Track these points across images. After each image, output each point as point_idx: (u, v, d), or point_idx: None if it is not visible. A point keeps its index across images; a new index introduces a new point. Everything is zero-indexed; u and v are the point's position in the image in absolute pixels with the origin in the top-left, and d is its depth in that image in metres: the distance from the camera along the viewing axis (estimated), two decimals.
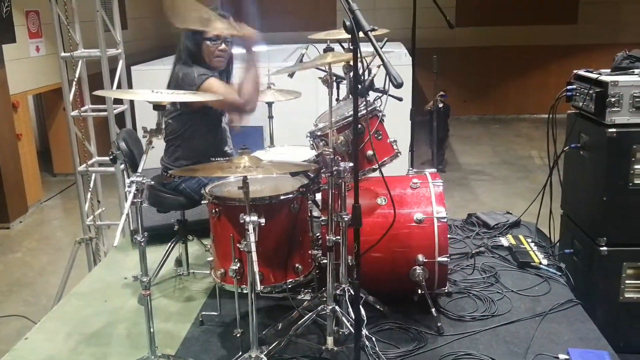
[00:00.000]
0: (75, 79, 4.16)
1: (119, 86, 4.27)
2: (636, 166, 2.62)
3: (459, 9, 10.08)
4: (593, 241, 2.76)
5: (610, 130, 2.61)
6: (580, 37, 10.26)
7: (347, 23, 1.60)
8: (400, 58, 6.21)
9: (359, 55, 1.66)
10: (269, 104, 3.09)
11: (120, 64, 4.34)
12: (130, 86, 4.95)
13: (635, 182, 2.63)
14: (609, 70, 2.83)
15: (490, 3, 10.24)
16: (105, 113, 4.23)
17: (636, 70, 2.70)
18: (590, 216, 2.85)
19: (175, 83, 2.64)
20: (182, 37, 2.69)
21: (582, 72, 2.90)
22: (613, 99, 2.60)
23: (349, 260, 2.29)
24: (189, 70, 2.60)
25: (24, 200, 6.34)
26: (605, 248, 2.70)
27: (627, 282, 2.72)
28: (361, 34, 1.62)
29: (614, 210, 2.68)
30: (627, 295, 2.73)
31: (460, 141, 9.07)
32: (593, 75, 2.76)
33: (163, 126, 2.11)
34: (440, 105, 7.04)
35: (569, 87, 2.94)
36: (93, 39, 4.15)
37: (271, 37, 9.32)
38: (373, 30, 1.55)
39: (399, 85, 1.54)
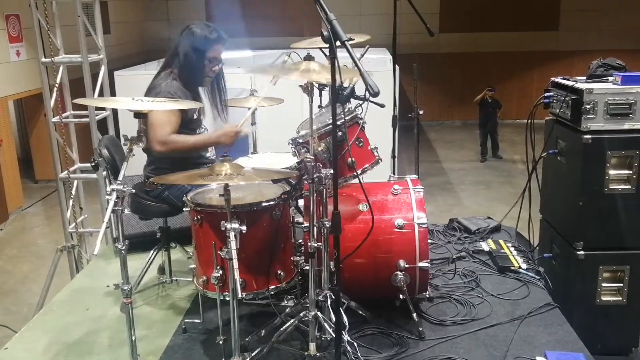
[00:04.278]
0: (57, 85, 4.12)
1: (101, 92, 4.23)
2: (611, 172, 2.68)
3: (442, 15, 10.20)
4: (570, 245, 2.82)
5: (585, 136, 2.66)
6: (562, 43, 10.45)
7: (325, 33, 1.62)
8: (385, 64, 6.27)
9: (336, 65, 1.68)
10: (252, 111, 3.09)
11: (103, 70, 4.31)
12: (112, 91, 4.92)
13: (610, 187, 2.69)
14: (585, 77, 2.90)
15: (474, 10, 10.39)
16: (87, 119, 4.20)
17: (610, 78, 2.76)
18: (568, 221, 2.90)
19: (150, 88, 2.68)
20: (183, 46, 2.68)
21: (558, 80, 2.96)
22: (588, 106, 2.66)
23: (331, 266, 2.31)
24: (162, 82, 2.64)
25: (5, 207, 6.26)
26: (582, 252, 2.76)
27: (603, 285, 2.77)
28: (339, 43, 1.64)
29: (590, 215, 2.73)
30: (603, 298, 2.79)
31: (443, 146, 9.17)
32: (569, 83, 2.82)
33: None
34: (490, 100, 7.93)
35: (546, 94, 3.00)
36: (75, 44, 4.12)
37: (256, 43, 9.36)
38: (350, 40, 1.57)
39: (375, 94, 1.57)
